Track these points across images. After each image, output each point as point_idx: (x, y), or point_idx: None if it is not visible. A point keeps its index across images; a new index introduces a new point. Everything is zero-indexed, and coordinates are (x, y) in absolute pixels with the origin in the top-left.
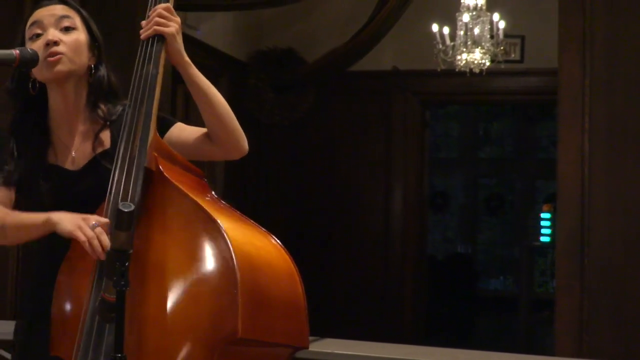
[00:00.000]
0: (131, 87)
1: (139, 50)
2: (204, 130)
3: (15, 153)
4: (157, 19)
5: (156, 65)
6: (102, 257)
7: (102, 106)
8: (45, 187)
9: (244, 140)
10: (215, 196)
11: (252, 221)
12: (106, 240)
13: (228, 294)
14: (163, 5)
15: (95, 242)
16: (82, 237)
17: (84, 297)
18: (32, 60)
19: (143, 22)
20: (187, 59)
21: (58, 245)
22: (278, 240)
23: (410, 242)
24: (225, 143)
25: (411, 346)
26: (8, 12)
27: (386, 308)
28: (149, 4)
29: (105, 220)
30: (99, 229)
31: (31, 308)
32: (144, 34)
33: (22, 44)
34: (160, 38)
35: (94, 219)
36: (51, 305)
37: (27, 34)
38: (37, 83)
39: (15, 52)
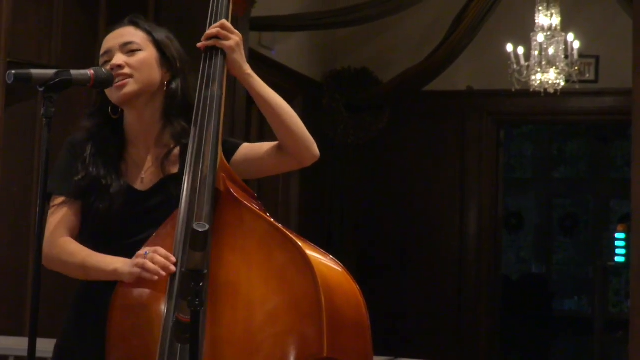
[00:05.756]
0: (195, 108)
1: (201, 70)
2: (273, 143)
3: (89, 159)
4: (218, 30)
5: (220, 86)
6: (161, 274)
7: (177, 124)
8: (117, 189)
9: (314, 145)
10: None
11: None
12: (160, 260)
13: (312, 314)
14: (220, 21)
15: (149, 265)
16: (138, 273)
17: (142, 319)
18: (107, 80)
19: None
20: (248, 70)
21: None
22: (335, 260)
23: (485, 263)
24: (296, 150)
25: None
26: (82, 33)
27: (461, 328)
28: (208, 22)
29: (154, 249)
30: (150, 255)
31: (86, 329)
32: (203, 42)
33: None
34: (221, 53)
35: (143, 251)
36: (107, 327)
37: (100, 62)
38: (117, 107)
39: (90, 72)
